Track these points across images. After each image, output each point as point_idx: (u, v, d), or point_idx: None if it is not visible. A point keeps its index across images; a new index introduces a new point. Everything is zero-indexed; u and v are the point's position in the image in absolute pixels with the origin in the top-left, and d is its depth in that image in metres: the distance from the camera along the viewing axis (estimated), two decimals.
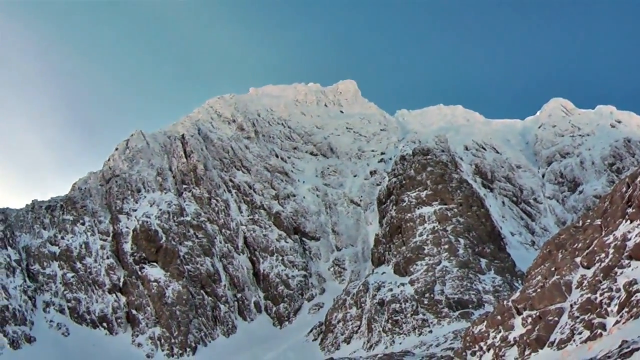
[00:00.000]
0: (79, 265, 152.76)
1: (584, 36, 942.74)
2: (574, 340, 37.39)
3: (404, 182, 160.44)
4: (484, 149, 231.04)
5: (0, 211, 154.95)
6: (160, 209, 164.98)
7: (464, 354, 52.59)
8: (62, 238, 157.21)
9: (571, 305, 40.78)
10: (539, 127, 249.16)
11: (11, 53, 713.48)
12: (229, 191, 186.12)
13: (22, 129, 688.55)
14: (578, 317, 38.93)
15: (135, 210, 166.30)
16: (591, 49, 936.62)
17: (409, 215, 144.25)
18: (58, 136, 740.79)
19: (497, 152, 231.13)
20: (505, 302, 50.21)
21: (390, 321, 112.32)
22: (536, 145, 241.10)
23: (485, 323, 51.37)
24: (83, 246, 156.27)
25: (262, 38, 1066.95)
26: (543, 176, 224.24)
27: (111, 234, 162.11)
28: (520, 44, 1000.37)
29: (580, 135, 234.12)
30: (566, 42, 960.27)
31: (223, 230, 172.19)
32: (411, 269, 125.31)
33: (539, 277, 48.75)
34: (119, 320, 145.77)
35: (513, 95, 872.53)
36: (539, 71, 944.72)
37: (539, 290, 45.79)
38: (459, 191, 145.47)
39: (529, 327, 43.58)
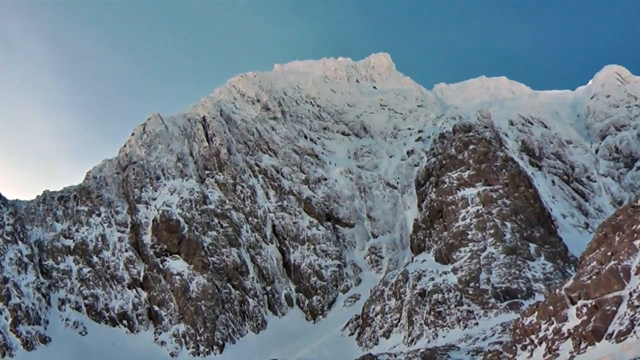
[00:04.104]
0: (95, 259, 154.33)
1: None
2: (634, 332, 36.81)
3: (444, 162, 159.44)
4: (531, 123, 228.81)
5: (9, 203, 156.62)
6: (182, 197, 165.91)
7: (513, 348, 52.12)
8: (77, 231, 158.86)
9: (630, 294, 40.16)
10: (592, 98, 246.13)
11: (18, 33, 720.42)
12: (255, 176, 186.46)
13: (31, 114, 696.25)
14: (638, 306, 38.33)
15: (155, 199, 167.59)
16: None
17: (450, 197, 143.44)
18: (70, 122, 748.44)
19: (546, 127, 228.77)
20: (557, 290, 49.64)
21: (432, 313, 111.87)
22: (588, 118, 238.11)
23: (536, 314, 50.84)
24: (99, 239, 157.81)
25: (286, 10, 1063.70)
26: (596, 152, 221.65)
27: (129, 225, 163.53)
28: (569, 7, 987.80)
29: (637, 105, 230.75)
30: (619, 4, 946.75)
31: (250, 219, 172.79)
32: (454, 256, 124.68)
33: (594, 262, 48.07)
34: (140, 317, 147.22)
35: (562, 63, 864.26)
36: (591, 36, 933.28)
37: (594, 277, 45.14)
38: (504, 170, 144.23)
39: (585, 317, 43.00)
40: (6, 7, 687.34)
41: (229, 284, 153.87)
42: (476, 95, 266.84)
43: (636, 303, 38.56)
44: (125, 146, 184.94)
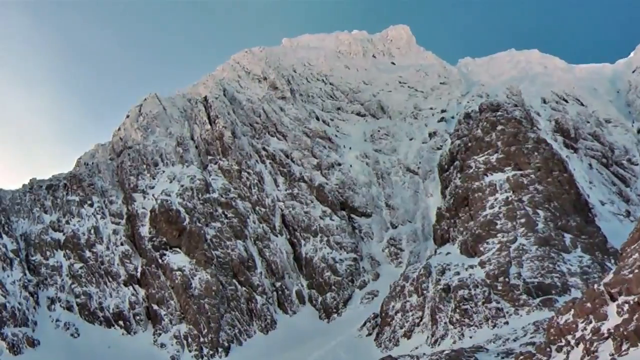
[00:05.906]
0: (88, 253, 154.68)
1: None
2: None
3: (469, 144, 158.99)
4: (566, 101, 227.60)
5: None
6: (182, 185, 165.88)
7: (547, 349, 51.84)
8: (67, 223, 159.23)
9: None
10: (633, 72, 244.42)
11: None
12: (263, 162, 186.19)
13: (14, 94, 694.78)
14: None
15: (153, 188, 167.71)
16: None
17: (476, 184, 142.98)
18: (58, 103, 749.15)
19: (582, 105, 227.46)
20: (595, 286, 49.32)
21: (458, 311, 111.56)
22: (630, 94, 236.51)
23: (572, 312, 50.53)
24: (92, 231, 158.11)
25: None
26: (638, 132, 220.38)
27: (125, 216, 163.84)
28: None
29: None
30: None
31: (257, 208, 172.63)
32: (481, 249, 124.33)
33: (637, 254, 47.72)
34: (138, 317, 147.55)
35: (600, 34, 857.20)
36: (633, 3, 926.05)
37: (636, 271, 44.78)
38: (536, 153, 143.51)
39: (626, 316, 42.67)
40: None
41: (234, 280, 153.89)
42: (505, 70, 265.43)
43: None
44: (119, 129, 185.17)
